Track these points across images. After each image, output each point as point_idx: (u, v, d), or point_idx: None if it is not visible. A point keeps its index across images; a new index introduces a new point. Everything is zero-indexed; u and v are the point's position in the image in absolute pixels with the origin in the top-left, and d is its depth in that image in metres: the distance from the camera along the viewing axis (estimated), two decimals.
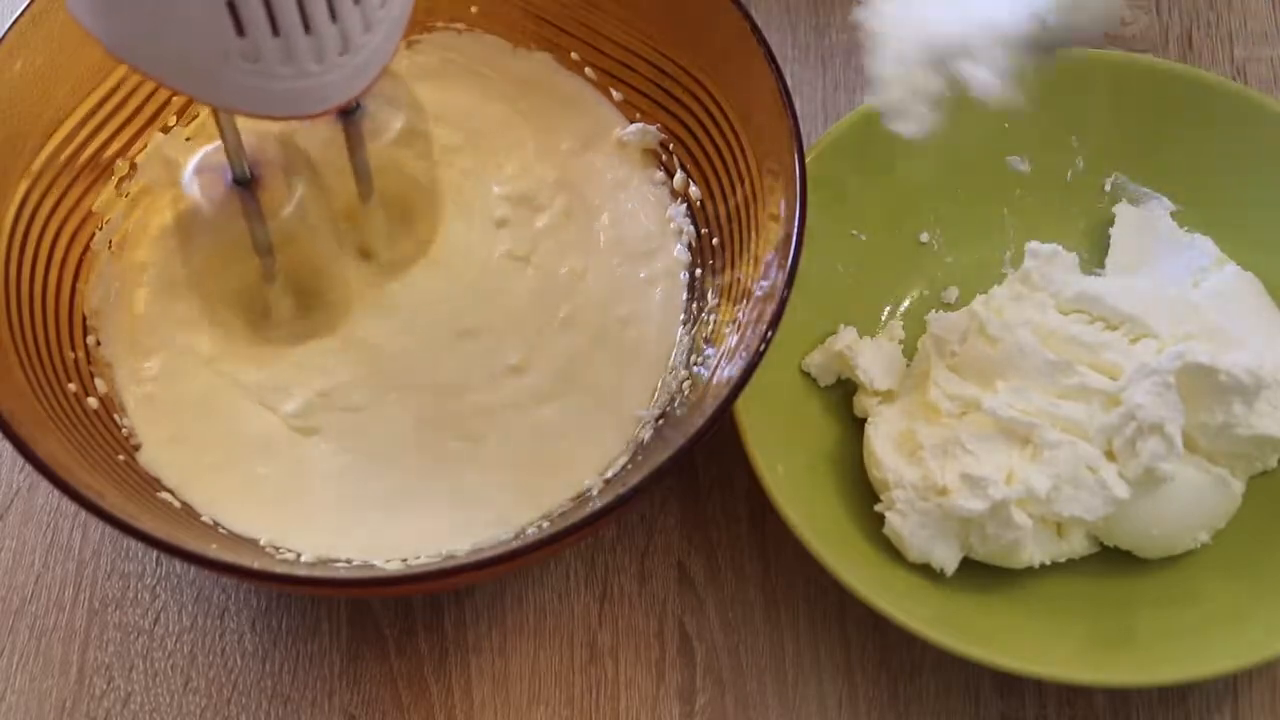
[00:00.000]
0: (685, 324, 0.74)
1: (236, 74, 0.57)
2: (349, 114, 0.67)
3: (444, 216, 0.75)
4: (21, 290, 0.70)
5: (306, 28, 0.56)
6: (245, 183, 0.67)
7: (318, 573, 0.67)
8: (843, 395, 0.73)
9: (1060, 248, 0.74)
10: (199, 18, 0.55)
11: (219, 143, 0.66)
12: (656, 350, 0.73)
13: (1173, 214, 0.76)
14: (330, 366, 0.73)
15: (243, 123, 0.65)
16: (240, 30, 0.55)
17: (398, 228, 0.73)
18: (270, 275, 0.70)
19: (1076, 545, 0.69)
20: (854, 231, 0.76)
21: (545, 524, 0.68)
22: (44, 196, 0.72)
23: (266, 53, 0.56)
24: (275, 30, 0.56)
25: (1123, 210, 0.77)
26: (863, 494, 0.71)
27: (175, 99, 0.76)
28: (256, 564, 0.66)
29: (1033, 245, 0.74)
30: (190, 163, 0.68)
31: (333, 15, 0.56)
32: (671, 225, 0.76)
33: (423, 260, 0.75)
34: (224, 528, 0.69)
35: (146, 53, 0.58)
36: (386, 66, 0.60)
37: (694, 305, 0.74)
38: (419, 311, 0.74)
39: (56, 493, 0.62)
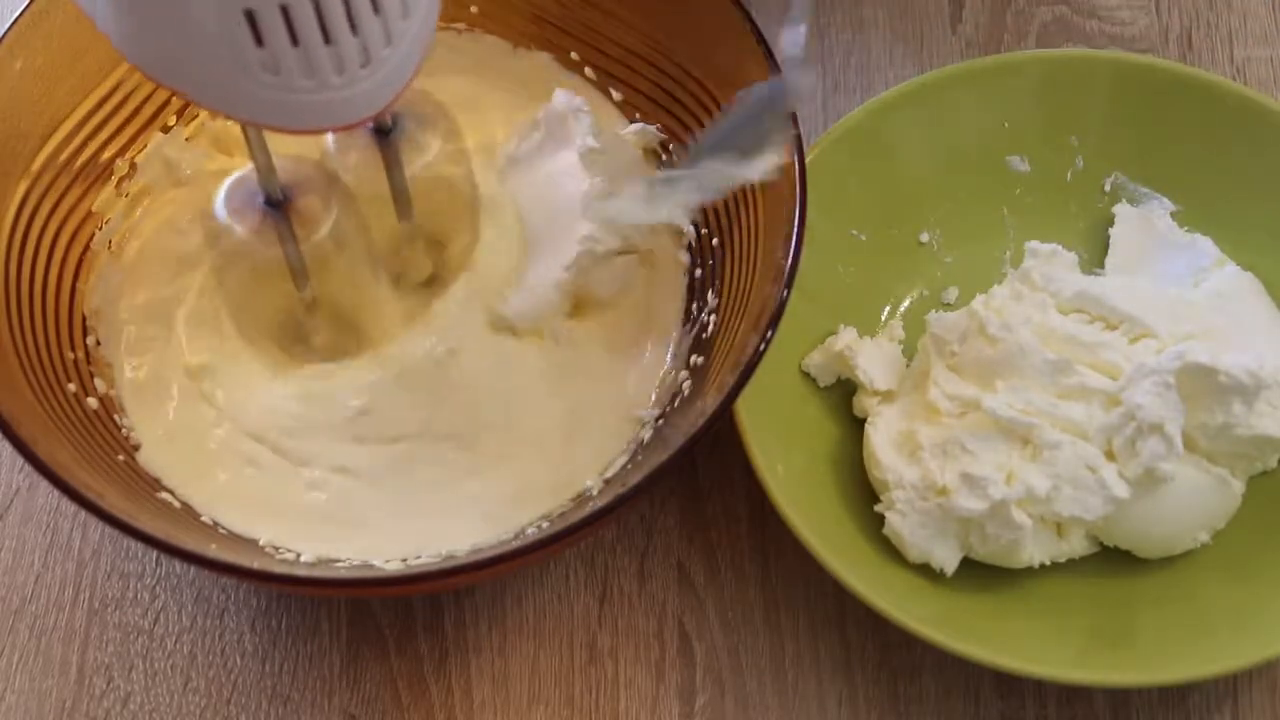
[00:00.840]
0: (685, 324, 0.74)
1: (258, 87, 0.56)
2: (385, 133, 0.67)
3: (480, 232, 0.74)
4: (21, 290, 0.70)
5: (326, 38, 0.56)
6: (278, 204, 0.67)
7: (318, 573, 0.67)
8: (843, 395, 0.73)
9: (1060, 247, 0.74)
10: (218, 28, 0.55)
11: (252, 164, 0.66)
12: (656, 350, 0.73)
13: (1173, 214, 0.76)
14: (339, 370, 0.73)
15: (279, 145, 0.65)
16: (259, 40, 0.55)
17: (436, 247, 0.73)
18: (306, 298, 0.70)
19: (1076, 545, 0.69)
20: (854, 231, 0.76)
21: (545, 524, 0.68)
22: (44, 196, 0.72)
23: (286, 64, 0.56)
24: (294, 40, 0.55)
25: (1123, 210, 0.77)
26: (863, 494, 0.71)
27: (175, 99, 0.76)
28: (256, 564, 0.66)
29: (1032, 245, 0.74)
30: (223, 185, 0.68)
31: (353, 26, 0.56)
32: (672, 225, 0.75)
33: (463, 273, 0.74)
34: (224, 528, 0.69)
35: (171, 67, 0.57)
36: (412, 82, 0.60)
37: (694, 305, 0.74)
38: (446, 320, 0.73)
39: (56, 493, 0.62)
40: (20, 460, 0.63)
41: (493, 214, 0.75)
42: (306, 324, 0.71)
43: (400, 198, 0.69)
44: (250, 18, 0.54)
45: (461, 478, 0.70)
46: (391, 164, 0.68)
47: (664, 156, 0.76)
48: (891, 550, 0.69)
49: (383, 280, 0.72)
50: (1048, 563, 0.68)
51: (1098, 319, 0.71)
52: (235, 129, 0.76)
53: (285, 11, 0.54)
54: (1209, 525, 0.69)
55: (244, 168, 0.67)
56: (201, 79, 0.57)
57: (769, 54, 0.69)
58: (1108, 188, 0.78)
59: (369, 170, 0.68)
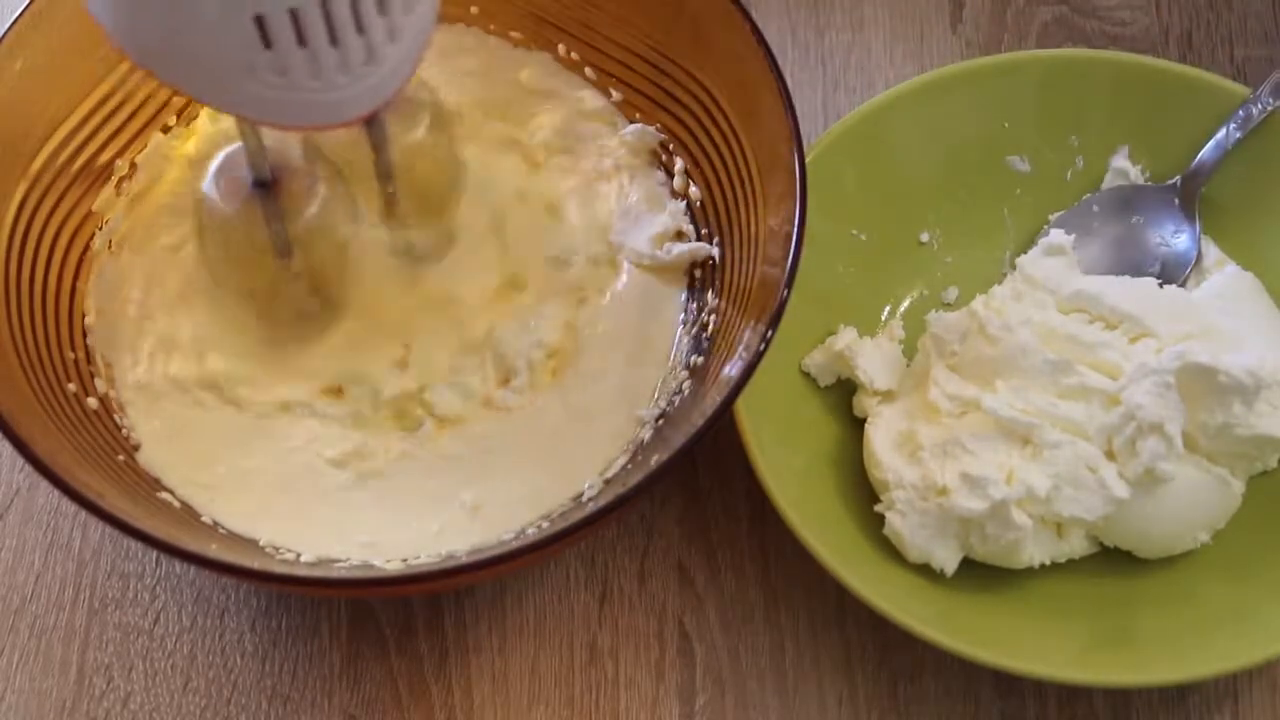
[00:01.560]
0: (685, 324, 0.74)
1: (263, 87, 0.56)
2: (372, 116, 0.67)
3: (465, 203, 0.74)
4: (21, 290, 0.70)
5: (333, 39, 0.56)
6: (266, 184, 0.67)
7: (318, 573, 0.67)
8: (843, 395, 0.73)
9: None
10: (226, 30, 0.55)
11: (240, 144, 0.66)
12: (656, 350, 0.73)
13: None
14: (334, 366, 0.73)
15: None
16: (267, 43, 0.55)
17: (426, 219, 0.73)
18: (291, 276, 0.70)
19: (1076, 545, 0.69)
20: (854, 231, 0.76)
21: (545, 524, 0.68)
22: (44, 196, 0.72)
23: (293, 66, 0.56)
24: (302, 41, 0.55)
25: None
26: (863, 494, 0.70)
27: (175, 99, 0.76)
28: (256, 564, 0.66)
29: (1031, 254, 0.74)
30: (211, 164, 0.68)
31: (358, 26, 0.56)
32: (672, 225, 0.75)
33: (449, 252, 0.74)
34: (224, 528, 0.69)
35: (173, 65, 0.57)
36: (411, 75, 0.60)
37: (694, 305, 0.74)
38: (435, 305, 0.74)
39: (56, 493, 0.62)
40: (20, 460, 0.63)
41: (470, 207, 0.75)
42: (289, 295, 0.71)
43: (385, 176, 0.69)
44: (259, 22, 0.54)
45: (462, 477, 0.70)
46: (379, 145, 0.67)
47: (664, 156, 0.76)
48: (891, 550, 0.69)
49: (373, 252, 0.72)
50: (1048, 563, 0.68)
51: (1097, 319, 0.71)
52: (234, 130, 0.76)
53: (294, 15, 0.54)
54: (1209, 525, 0.69)
55: (235, 144, 0.67)
56: (204, 79, 0.57)
57: (768, 53, 0.69)
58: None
59: (359, 146, 0.68)
